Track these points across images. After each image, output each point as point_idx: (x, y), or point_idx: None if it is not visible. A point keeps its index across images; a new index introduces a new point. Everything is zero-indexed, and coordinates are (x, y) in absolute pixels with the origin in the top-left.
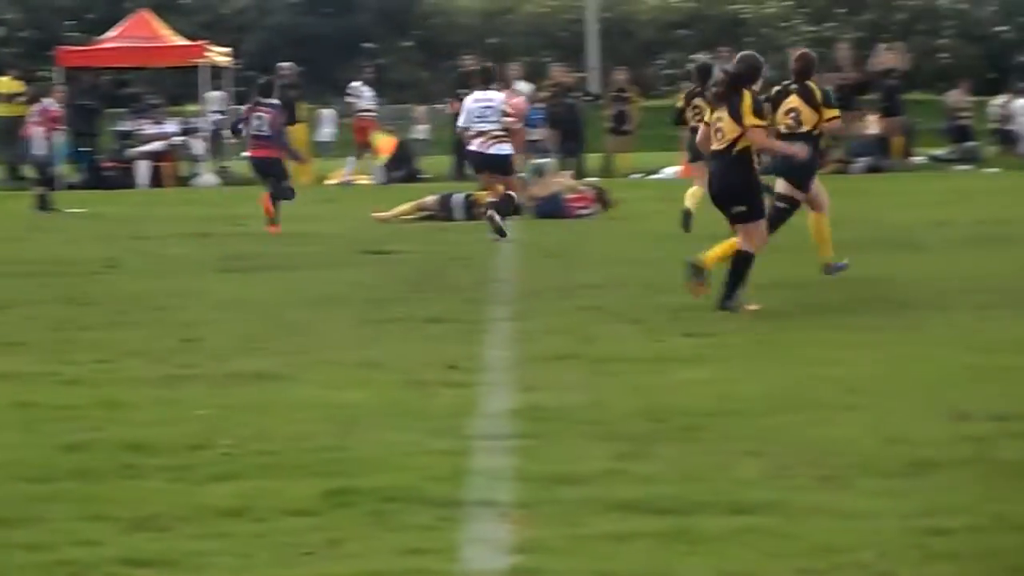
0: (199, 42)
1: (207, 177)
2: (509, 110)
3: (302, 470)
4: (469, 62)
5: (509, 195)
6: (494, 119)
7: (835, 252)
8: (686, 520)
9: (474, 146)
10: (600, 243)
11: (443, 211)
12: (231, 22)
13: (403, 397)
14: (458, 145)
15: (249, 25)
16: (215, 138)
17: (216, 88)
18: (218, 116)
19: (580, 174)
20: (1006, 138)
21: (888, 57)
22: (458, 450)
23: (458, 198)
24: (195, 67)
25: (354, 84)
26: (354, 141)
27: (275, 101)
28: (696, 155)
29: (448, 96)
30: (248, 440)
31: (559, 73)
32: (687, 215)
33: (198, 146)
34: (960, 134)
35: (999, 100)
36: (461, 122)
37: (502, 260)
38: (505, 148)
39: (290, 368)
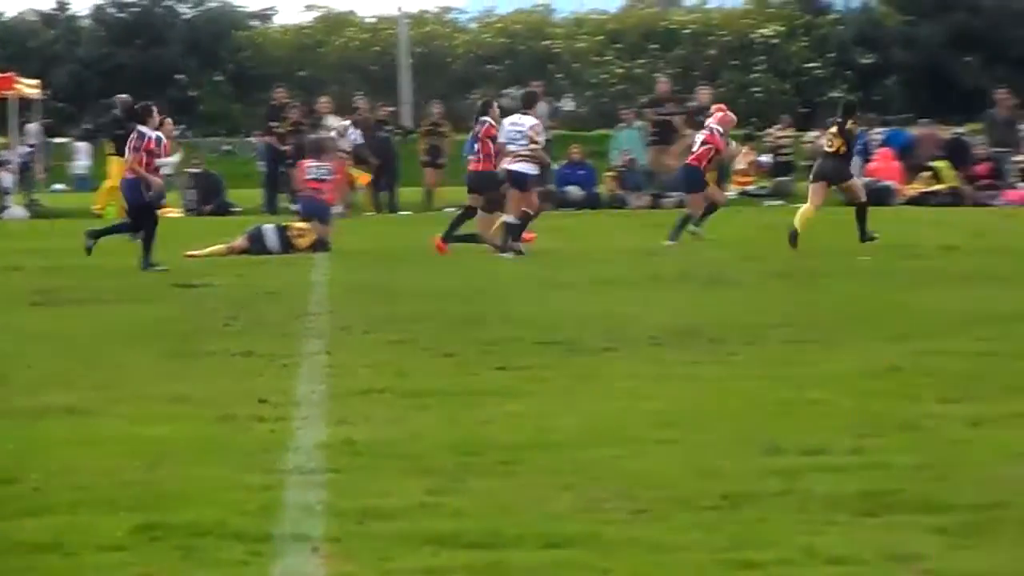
0: (7, 74)
1: (16, 210)
2: (534, 135)
3: (112, 505)
4: (280, 94)
5: (526, 212)
6: (522, 141)
7: (648, 285)
8: (498, 554)
9: (504, 164)
10: (413, 276)
11: (257, 244)
12: (39, 54)
13: (214, 431)
14: (270, 177)
15: (57, 57)
16: (23, 170)
17: (25, 120)
18: (27, 149)
19: (393, 208)
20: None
21: (704, 93)
22: (269, 484)
23: (269, 228)
24: (3, 99)
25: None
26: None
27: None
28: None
29: (258, 129)
30: (58, 475)
31: (364, 107)
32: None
33: (7, 179)
34: (781, 169)
35: (810, 135)
36: (500, 139)
37: (314, 294)
38: (523, 167)
39: (100, 402)
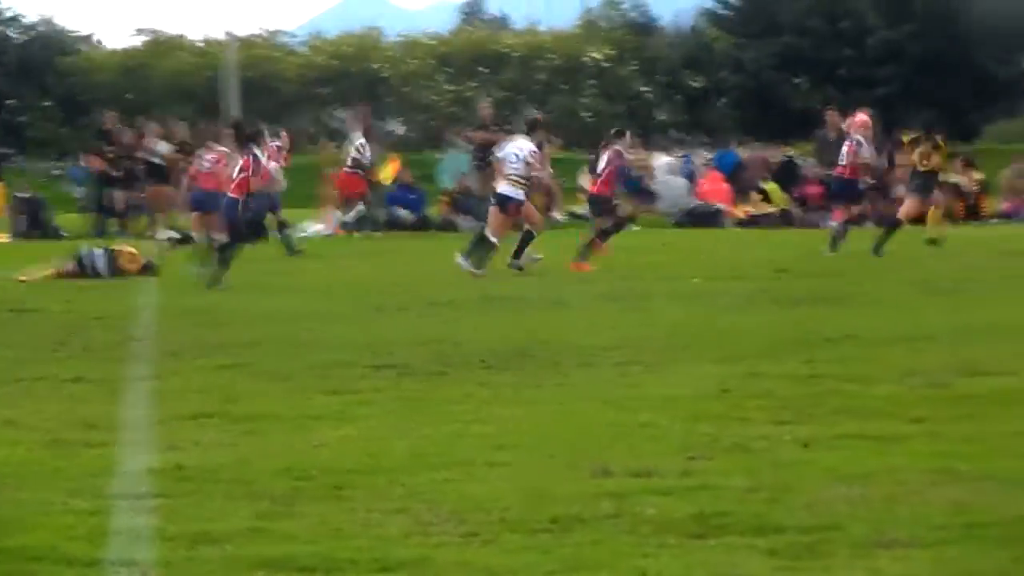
0: None
1: None
2: (532, 160)
3: None
4: (110, 118)
5: (529, 231)
6: (517, 165)
7: (480, 308)
8: None
9: (496, 183)
10: (243, 301)
11: (85, 268)
12: None
13: (42, 456)
14: (97, 201)
15: None
16: None
17: None
18: None
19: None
20: (646, 195)
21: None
22: (98, 510)
23: (97, 252)
24: None
25: None
26: None
27: None
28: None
29: (85, 152)
30: None
31: (180, 131)
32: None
33: None
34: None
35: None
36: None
37: (143, 319)
38: (509, 190)
39: None
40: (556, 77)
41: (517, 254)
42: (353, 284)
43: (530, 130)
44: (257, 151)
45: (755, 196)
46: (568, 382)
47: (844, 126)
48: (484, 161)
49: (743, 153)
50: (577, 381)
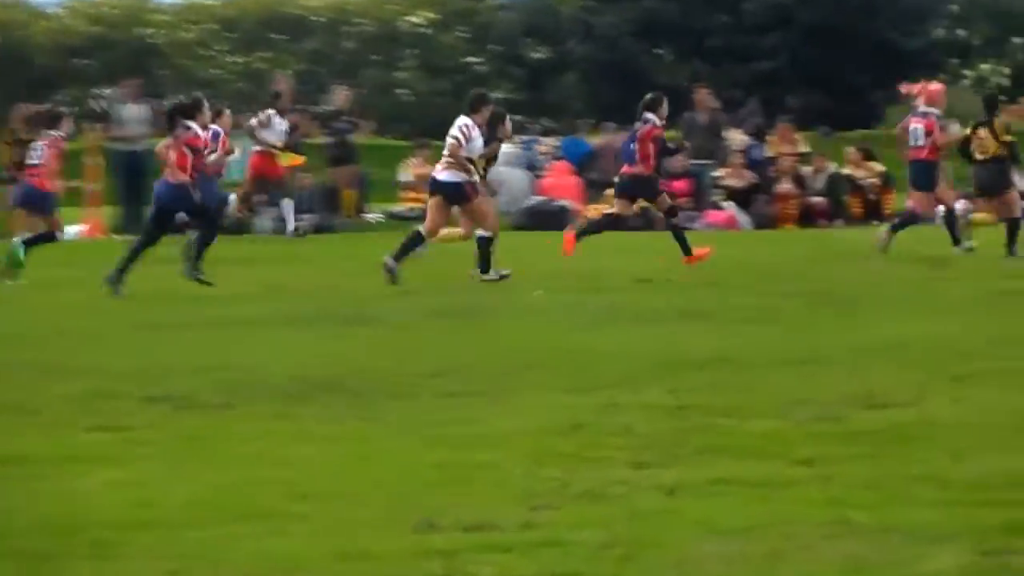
0: None
1: None
2: (457, 136)
3: None
4: None
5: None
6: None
7: (279, 327)
8: None
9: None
10: None
11: None
12: None
13: None
14: None
15: None
16: None
17: None
18: None
19: None
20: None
21: (342, 95)
22: None
23: None
24: None
25: None
26: None
27: None
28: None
29: None
30: None
31: None
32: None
33: None
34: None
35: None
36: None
37: None
38: (446, 175)
39: None
40: (368, 46)
41: (398, 256)
42: (125, 297)
43: (472, 108)
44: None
45: (609, 192)
46: (386, 416)
47: (915, 92)
48: (341, 156)
49: (596, 140)
50: (397, 414)
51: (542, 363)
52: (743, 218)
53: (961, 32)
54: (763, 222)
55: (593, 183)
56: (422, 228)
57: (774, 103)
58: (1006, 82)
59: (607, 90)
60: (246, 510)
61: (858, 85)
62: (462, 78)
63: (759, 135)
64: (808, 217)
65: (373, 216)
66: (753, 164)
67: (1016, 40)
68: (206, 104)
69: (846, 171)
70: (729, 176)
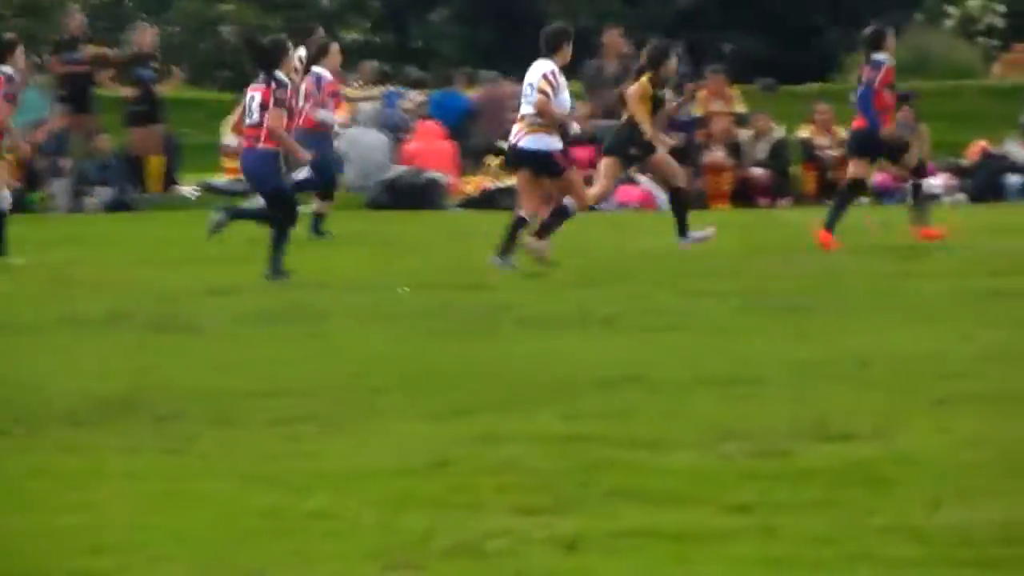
0: None
1: None
2: (545, 88)
3: None
4: None
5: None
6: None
7: (62, 332)
8: None
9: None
10: None
11: None
12: None
13: None
14: None
15: None
16: None
17: None
18: None
19: None
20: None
21: (146, 34)
22: None
23: None
24: None
25: None
26: None
27: None
28: None
29: None
30: None
31: None
32: None
33: None
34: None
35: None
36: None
37: None
38: (532, 141)
39: None
40: None
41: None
42: None
43: (551, 48)
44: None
45: (492, 160)
46: (201, 447)
47: None
48: (74, 100)
49: (475, 94)
50: (215, 445)
51: (400, 382)
52: (662, 195)
53: None
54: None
55: (471, 149)
56: (522, 211)
57: (703, 49)
58: (1000, 23)
59: (488, 32)
60: (21, 565)
61: (810, 26)
62: (303, 14)
63: (684, 90)
64: (745, 194)
65: (187, 190)
66: (676, 126)
67: None
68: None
69: (803, 135)
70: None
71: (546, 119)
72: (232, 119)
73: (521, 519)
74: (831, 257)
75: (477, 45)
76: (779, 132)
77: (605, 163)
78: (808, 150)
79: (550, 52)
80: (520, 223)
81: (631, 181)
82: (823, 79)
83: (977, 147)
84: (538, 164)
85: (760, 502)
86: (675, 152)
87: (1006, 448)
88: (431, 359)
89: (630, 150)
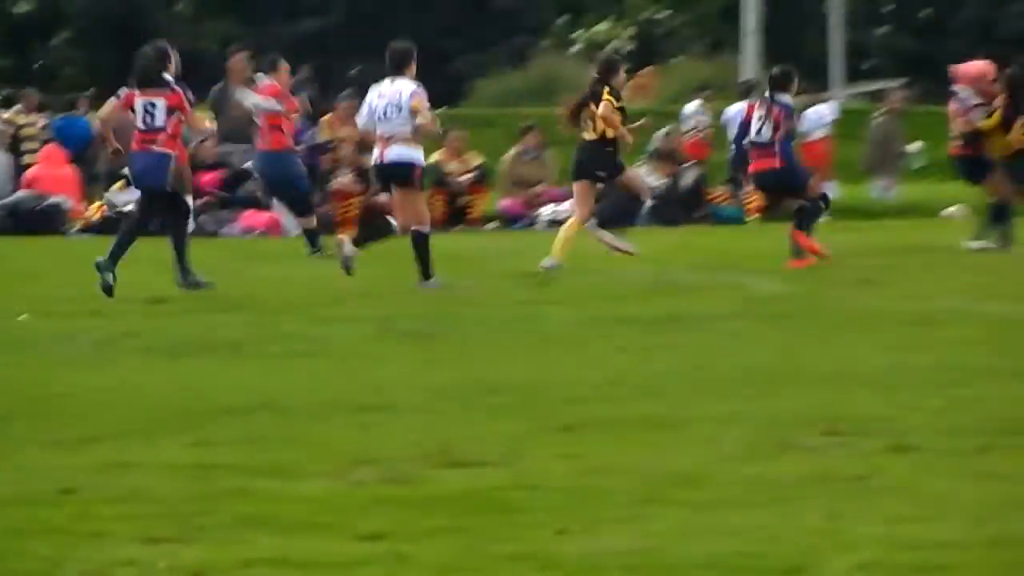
0: None
1: None
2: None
3: None
4: None
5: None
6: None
7: None
8: None
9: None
10: None
11: None
12: None
13: None
14: None
15: None
16: None
17: None
18: None
19: None
20: None
21: None
22: None
23: None
24: None
25: None
26: None
27: None
28: None
29: None
30: None
31: None
32: None
33: None
34: None
35: None
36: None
37: None
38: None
39: None
40: None
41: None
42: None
43: (400, 65)
44: None
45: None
46: None
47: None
48: None
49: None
50: None
51: (23, 409)
52: (289, 221)
53: None
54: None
55: (96, 176)
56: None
57: (331, 72)
58: (627, 46)
59: (108, 53)
60: None
61: (439, 51)
62: None
63: (310, 114)
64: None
65: None
66: (303, 150)
67: None
68: None
69: (434, 160)
70: None
71: (427, 135)
72: None
73: (146, 548)
74: (462, 283)
75: (100, 67)
76: None
77: (577, 187)
78: (438, 175)
79: (399, 70)
80: (421, 237)
81: (260, 207)
82: (452, 103)
83: None
84: (405, 174)
85: (390, 530)
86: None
87: (634, 473)
88: (55, 386)
89: (597, 172)
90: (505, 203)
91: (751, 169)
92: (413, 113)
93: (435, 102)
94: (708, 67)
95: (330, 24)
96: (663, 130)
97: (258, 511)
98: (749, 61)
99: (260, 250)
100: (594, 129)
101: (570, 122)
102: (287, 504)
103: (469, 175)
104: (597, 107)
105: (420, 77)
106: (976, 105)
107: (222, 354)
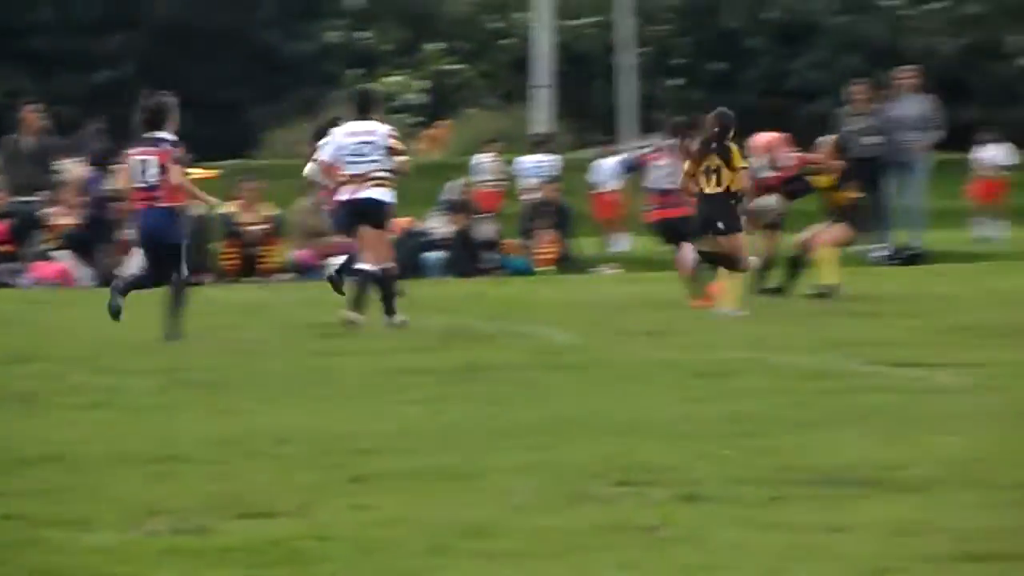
0: None
1: None
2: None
3: None
4: None
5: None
6: (376, 157)
7: None
8: None
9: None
10: None
11: None
12: None
13: None
14: None
15: None
16: None
17: None
18: None
19: None
20: None
21: None
22: None
23: None
24: None
25: None
26: None
27: None
28: None
29: None
30: None
31: None
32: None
33: None
34: None
35: None
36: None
37: None
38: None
39: None
40: None
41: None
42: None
43: (366, 109)
44: None
45: None
46: None
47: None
48: None
49: None
50: None
51: None
52: (82, 271)
53: (363, 35)
54: (110, 276)
55: None
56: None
57: (122, 123)
58: (422, 99)
59: None
60: None
61: (230, 100)
62: None
63: (103, 164)
64: None
65: None
66: (94, 201)
67: (431, 46)
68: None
69: (226, 211)
70: (62, 216)
71: (402, 175)
72: None
73: None
74: (254, 334)
75: None
76: (200, 208)
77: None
78: (231, 226)
79: (364, 112)
80: (389, 276)
81: (46, 258)
82: (242, 154)
83: (401, 223)
84: (381, 215)
85: None
86: (95, 229)
87: (423, 525)
88: None
89: (719, 223)
90: (298, 254)
91: (657, 216)
92: (391, 152)
93: (227, 152)
94: (501, 119)
95: (124, 75)
96: (457, 181)
97: (51, 562)
98: (540, 113)
99: (51, 300)
100: (719, 182)
101: (690, 177)
102: (80, 555)
103: (262, 226)
104: (722, 161)
105: (210, 128)
106: (767, 174)
107: (13, 406)
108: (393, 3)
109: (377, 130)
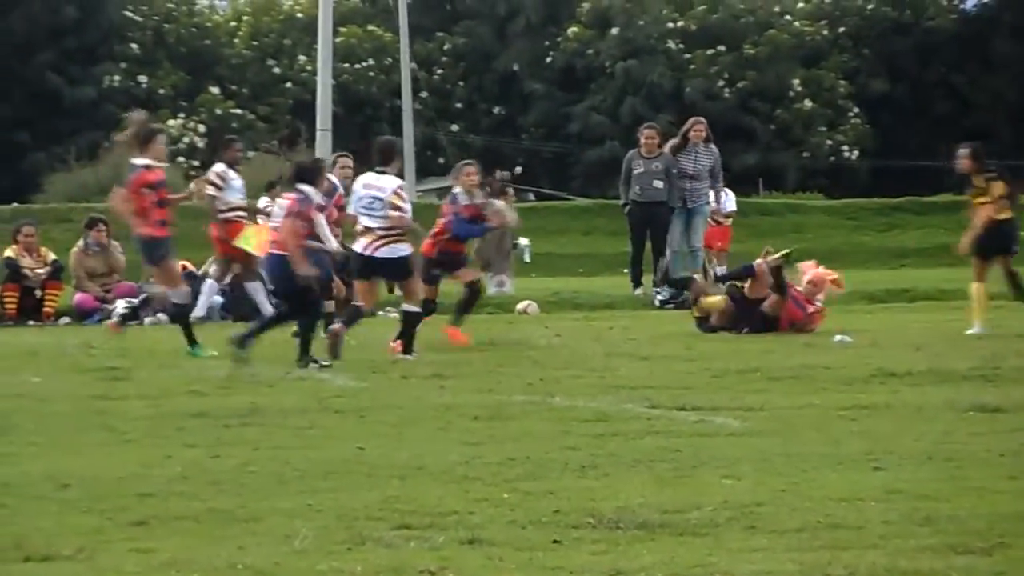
0: None
1: None
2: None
3: None
4: None
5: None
6: (381, 213)
7: None
8: None
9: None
10: None
11: None
12: None
13: None
14: None
15: None
16: None
17: None
18: None
19: None
20: None
21: None
22: None
23: None
24: None
25: None
26: None
27: None
28: None
29: None
30: None
31: None
32: None
33: None
34: None
35: None
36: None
37: None
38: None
39: None
40: None
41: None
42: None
43: (386, 159)
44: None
45: None
46: None
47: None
48: None
49: None
50: None
51: None
52: None
53: (143, 79)
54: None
55: None
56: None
57: None
58: (200, 142)
59: None
60: None
61: (12, 145)
62: None
63: None
64: None
65: None
66: None
67: (212, 91)
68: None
69: (8, 255)
70: None
71: (403, 230)
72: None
73: None
74: (34, 377)
75: None
76: None
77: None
78: (12, 271)
79: (385, 163)
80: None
81: None
82: (22, 199)
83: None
84: (396, 270)
85: None
86: None
87: (206, 569)
88: None
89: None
90: (78, 298)
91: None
92: (393, 208)
93: (7, 197)
94: (283, 162)
95: None
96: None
97: None
98: (322, 156)
99: None
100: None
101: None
102: None
103: (44, 270)
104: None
105: None
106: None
107: None
108: (171, 48)
109: (386, 187)
